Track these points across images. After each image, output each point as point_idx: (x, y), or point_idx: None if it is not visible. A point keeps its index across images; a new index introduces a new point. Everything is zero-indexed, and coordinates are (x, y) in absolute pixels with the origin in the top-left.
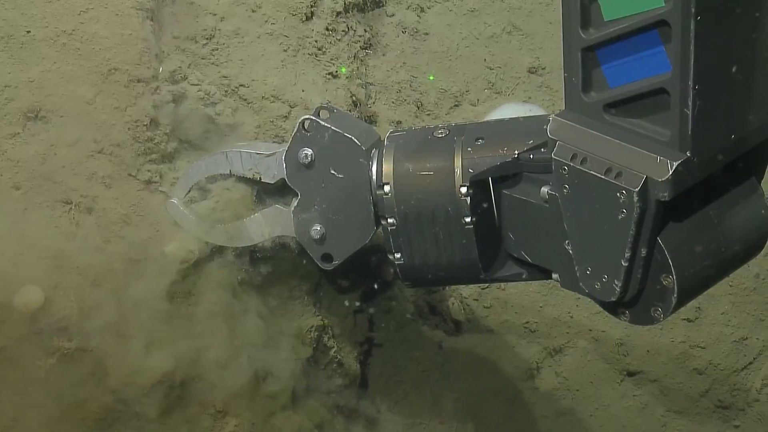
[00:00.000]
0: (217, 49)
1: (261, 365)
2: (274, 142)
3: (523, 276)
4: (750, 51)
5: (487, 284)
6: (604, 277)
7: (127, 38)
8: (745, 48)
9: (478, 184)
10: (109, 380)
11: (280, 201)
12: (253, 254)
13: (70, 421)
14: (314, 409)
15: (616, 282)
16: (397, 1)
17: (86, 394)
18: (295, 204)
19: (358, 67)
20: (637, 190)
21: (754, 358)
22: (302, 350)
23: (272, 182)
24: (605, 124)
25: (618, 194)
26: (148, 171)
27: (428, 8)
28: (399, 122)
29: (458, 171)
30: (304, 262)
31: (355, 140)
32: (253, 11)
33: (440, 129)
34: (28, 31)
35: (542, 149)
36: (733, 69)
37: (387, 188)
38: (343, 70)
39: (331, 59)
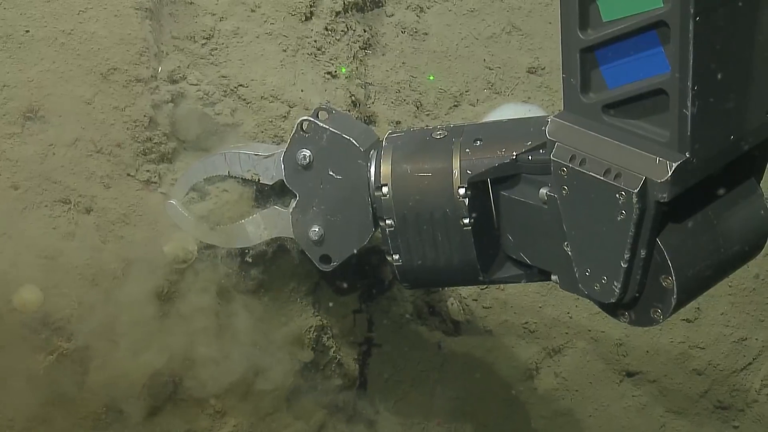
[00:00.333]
0: (216, 49)
1: (260, 365)
2: (273, 142)
3: (522, 277)
4: (748, 51)
5: (486, 285)
6: (604, 279)
7: (126, 38)
8: (744, 48)
9: (476, 186)
10: (107, 380)
11: (278, 202)
12: (252, 255)
13: (69, 421)
14: (313, 410)
15: (615, 283)
16: (397, 1)
17: (84, 394)
18: (294, 205)
19: (357, 67)
20: (636, 191)
21: (753, 359)
22: (301, 351)
23: (271, 183)
24: (604, 125)
25: (617, 195)
26: (147, 171)
27: (428, 8)
28: (398, 122)
29: (456, 172)
30: (303, 262)
31: (354, 141)
32: (252, 11)
33: (439, 130)
34: (27, 31)
35: (541, 150)
36: (732, 70)
37: (385, 189)
38: (344, 70)
39: (331, 59)
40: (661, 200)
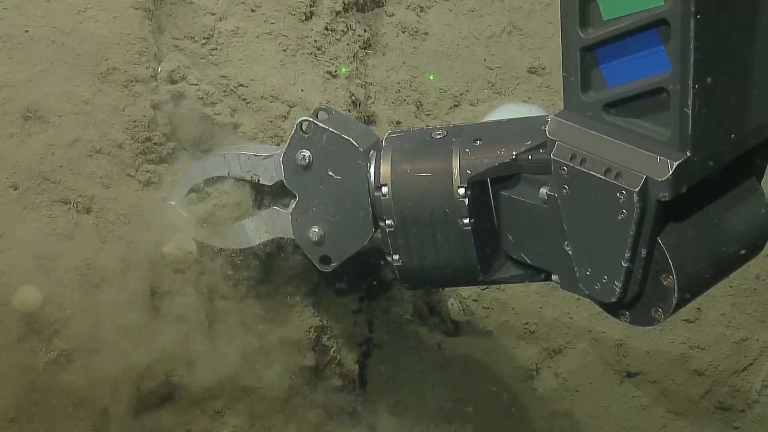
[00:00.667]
0: (216, 49)
1: (259, 366)
2: (272, 142)
3: (523, 278)
4: (749, 50)
5: (486, 286)
6: (604, 278)
7: (126, 38)
8: (745, 47)
9: (476, 186)
10: (107, 380)
11: (278, 203)
12: (251, 255)
13: (70, 421)
14: (313, 410)
15: (616, 283)
16: (397, 1)
17: (85, 394)
18: (293, 206)
19: (357, 67)
20: (637, 190)
21: (754, 360)
22: (301, 352)
23: (270, 184)
24: (604, 124)
25: (618, 194)
26: (147, 171)
27: (428, 8)
28: (398, 122)
29: (456, 172)
30: (302, 263)
31: (353, 142)
32: (252, 11)
33: (438, 130)
34: (27, 31)
35: (540, 150)
36: (733, 68)
37: (385, 190)
38: (344, 69)
39: (331, 59)
40: (662, 199)
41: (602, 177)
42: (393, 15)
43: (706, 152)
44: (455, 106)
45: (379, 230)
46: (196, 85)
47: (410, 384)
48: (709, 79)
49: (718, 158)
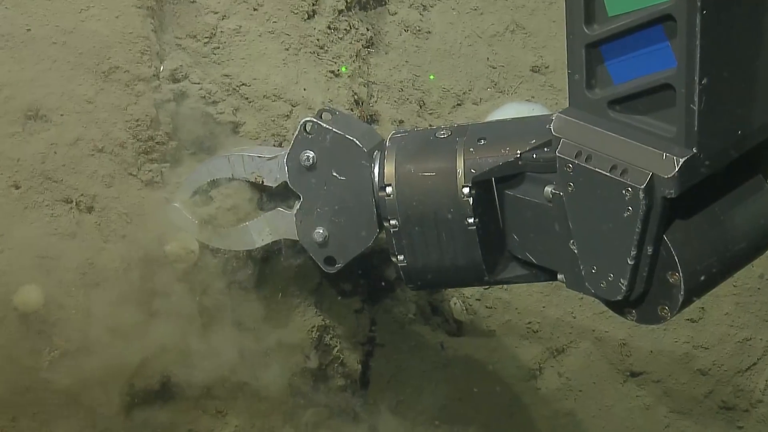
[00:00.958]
0: (219, 48)
1: (262, 366)
2: (275, 141)
3: (528, 277)
4: (756, 46)
5: (490, 286)
6: (610, 276)
7: (128, 36)
8: (751, 43)
9: (480, 185)
10: (109, 379)
11: (282, 204)
12: (255, 255)
13: (72, 419)
14: (315, 410)
15: (622, 280)
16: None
17: (86, 393)
18: (298, 207)
19: (360, 66)
20: (642, 187)
21: (758, 359)
22: (303, 351)
23: (274, 185)
24: (610, 121)
25: (623, 191)
26: (149, 170)
27: (431, 6)
28: (401, 121)
29: (460, 171)
30: (306, 263)
31: (357, 142)
32: (255, 9)
33: (442, 130)
34: (28, 29)
35: (545, 149)
36: (739, 64)
37: (389, 190)
38: (344, 69)
39: (333, 58)
40: (668, 196)
41: (608, 174)
42: (396, 14)
43: (712, 149)
44: (458, 105)
45: (384, 231)
46: (199, 84)
47: (413, 383)
48: (715, 75)
49: (724, 155)
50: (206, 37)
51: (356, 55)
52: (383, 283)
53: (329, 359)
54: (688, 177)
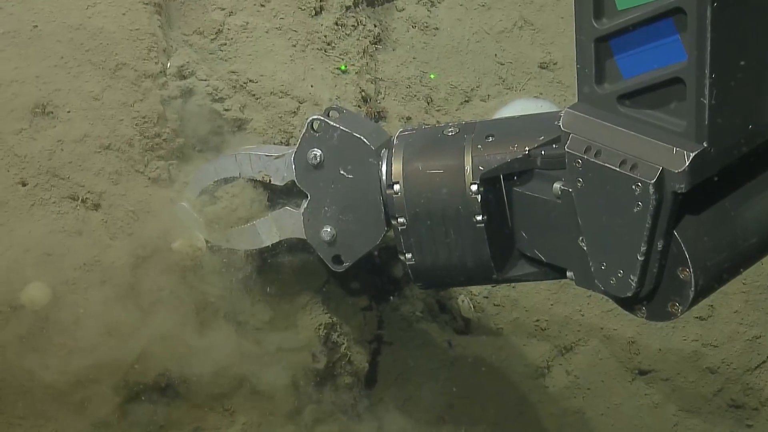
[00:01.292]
0: (226, 44)
1: (270, 363)
2: (282, 138)
3: (537, 275)
4: (766, 39)
5: (499, 284)
6: (620, 272)
7: (135, 33)
8: (762, 35)
9: (488, 182)
10: (114, 377)
11: (289, 203)
12: (262, 253)
13: (76, 418)
14: (323, 407)
15: (631, 277)
16: None
17: (90, 390)
18: (305, 206)
19: (367, 63)
20: (653, 182)
21: (767, 357)
22: (311, 348)
23: (282, 184)
24: (619, 116)
25: (633, 186)
26: (156, 167)
27: (438, 3)
28: (408, 118)
29: (468, 169)
30: (313, 261)
31: (365, 140)
32: (262, 6)
33: (450, 127)
34: (35, 26)
35: (554, 145)
36: (750, 57)
37: (397, 187)
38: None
39: (341, 54)
40: (679, 191)
41: (617, 169)
42: (403, 10)
43: (722, 143)
44: (466, 101)
45: (392, 229)
46: (206, 80)
47: (420, 381)
48: (726, 69)
49: (735, 149)
50: (213, 34)
51: (363, 52)
52: (390, 282)
53: (336, 357)
54: (698, 172)
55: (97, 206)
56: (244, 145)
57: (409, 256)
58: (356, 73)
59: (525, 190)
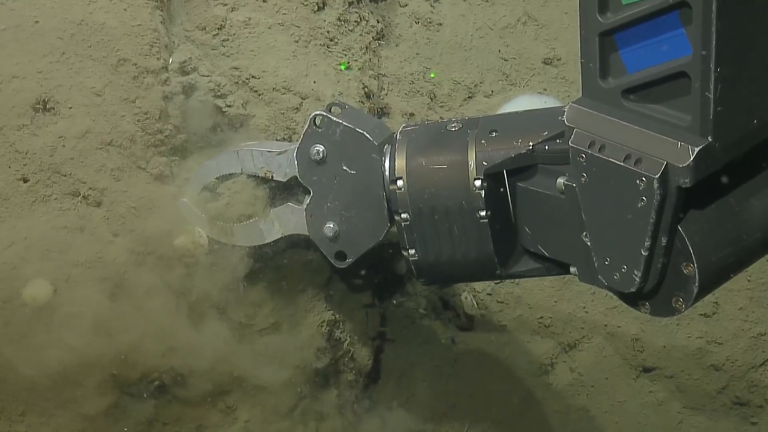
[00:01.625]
0: (228, 40)
1: (272, 361)
2: (285, 134)
3: (540, 271)
4: None
5: (502, 280)
6: (624, 268)
7: (137, 29)
8: (767, 30)
9: (492, 177)
10: (116, 374)
11: (292, 199)
12: (265, 249)
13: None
14: (325, 404)
15: (635, 272)
16: None
17: (93, 390)
18: (308, 202)
19: (370, 59)
20: (657, 176)
21: None
22: (314, 345)
23: (284, 180)
24: (624, 111)
25: (638, 181)
26: (158, 163)
27: None
28: (412, 114)
29: (472, 164)
30: (315, 258)
31: (367, 135)
32: (264, 1)
33: (453, 122)
34: (37, 22)
35: (557, 140)
36: (756, 51)
37: (400, 183)
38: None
39: (343, 50)
40: (683, 185)
41: (622, 164)
42: (406, 5)
43: (727, 138)
44: (469, 97)
45: (395, 225)
46: (208, 76)
47: (423, 378)
48: (731, 63)
49: (740, 144)
50: (215, 30)
51: (366, 48)
52: (394, 279)
53: (339, 354)
54: (703, 166)
55: (98, 203)
56: (247, 141)
57: (412, 252)
58: (359, 69)
59: (528, 185)
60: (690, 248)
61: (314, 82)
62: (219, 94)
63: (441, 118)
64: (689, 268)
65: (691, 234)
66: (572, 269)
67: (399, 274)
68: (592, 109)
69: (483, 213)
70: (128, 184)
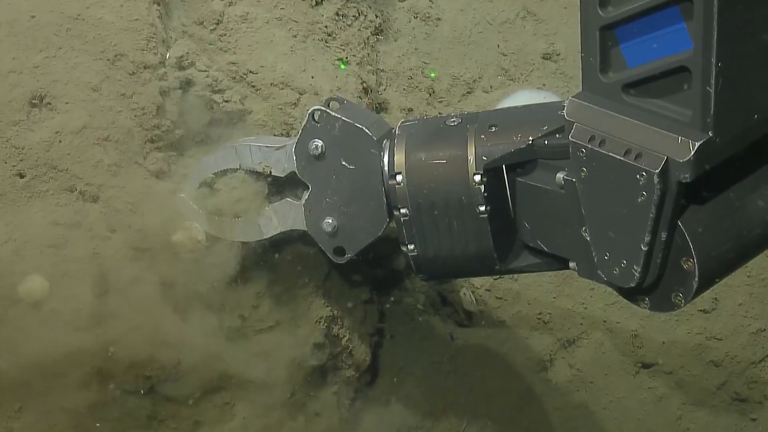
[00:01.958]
0: (225, 35)
1: (269, 356)
2: (282, 129)
3: (540, 266)
4: None
5: (502, 275)
6: (623, 263)
7: (134, 23)
8: None
9: (492, 172)
10: (116, 370)
11: (290, 194)
12: (263, 245)
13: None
14: (324, 401)
15: (635, 267)
16: None
17: (92, 387)
18: (306, 197)
19: (368, 54)
20: (657, 171)
21: None
22: (312, 341)
23: (283, 175)
24: (624, 105)
25: (638, 176)
26: (155, 159)
27: None
28: (410, 109)
29: (471, 159)
30: (313, 253)
31: (366, 130)
32: None
33: (453, 117)
34: (33, 16)
35: (557, 135)
36: (757, 46)
37: (399, 178)
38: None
39: (342, 45)
40: (683, 181)
41: (622, 158)
42: (405, 0)
43: (728, 132)
44: (468, 93)
45: (394, 220)
46: (205, 71)
47: (422, 375)
48: (732, 57)
49: (741, 139)
50: (213, 24)
51: (365, 43)
52: (392, 274)
53: (337, 350)
54: (703, 161)
55: (95, 198)
56: (244, 136)
57: (411, 247)
58: (357, 64)
59: (528, 180)
60: (690, 243)
61: (312, 78)
62: (216, 89)
63: (440, 113)
64: (689, 263)
65: (691, 229)
66: (571, 264)
67: (398, 270)
68: (593, 104)
69: (482, 208)
70: (125, 180)
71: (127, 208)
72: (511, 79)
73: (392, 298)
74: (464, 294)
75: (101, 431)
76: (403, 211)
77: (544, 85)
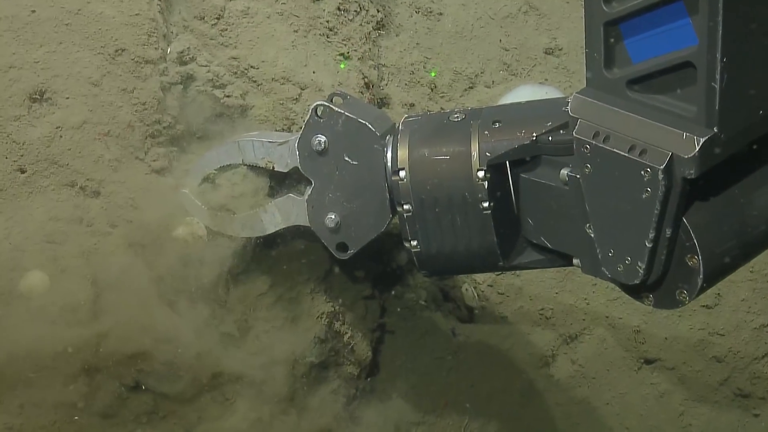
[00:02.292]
0: (227, 30)
1: (271, 352)
2: (284, 125)
3: (543, 262)
4: None
5: (505, 271)
6: (627, 259)
7: (135, 18)
8: None
9: (495, 168)
10: (116, 365)
11: (293, 190)
12: (265, 240)
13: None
14: (325, 397)
15: (639, 264)
16: None
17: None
18: (309, 193)
19: (370, 49)
20: (662, 167)
21: None
22: (314, 337)
23: (285, 171)
24: (628, 101)
25: (642, 172)
26: (156, 154)
27: None
28: (412, 105)
29: (475, 155)
30: (316, 249)
31: (370, 126)
32: None
33: (456, 113)
34: (33, 11)
35: (561, 131)
36: (761, 42)
37: (402, 174)
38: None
39: (343, 40)
40: (688, 177)
41: (626, 155)
42: None
43: (733, 129)
44: (470, 87)
45: (397, 216)
46: (206, 66)
47: (423, 370)
48: (737, 53)
49: (746, 135)
50: (214, 19)
51: (366, 38)
52: (394, 270)
53: (339, 346)
54: (708, 157)
55: (96, 194)
56: (246, 131)
57: (414, 243)
58: (359, 59)
59: (532, 176)
60: (694, 240)
61: (314, 72)
62: (218, 84)
63: (442, 108)
64: (693, 260)
65: (696, 225)
66: (575, 261)
67: (400, 266)
68: (597, 100)
69: (486, 204)
70: (126, 175)
71: (127, 204)
72: (513, 74)
73: (394, 294)
74: (466, 290)
75: (102, 428)
76: (406, 206)
77: (546, 80)
